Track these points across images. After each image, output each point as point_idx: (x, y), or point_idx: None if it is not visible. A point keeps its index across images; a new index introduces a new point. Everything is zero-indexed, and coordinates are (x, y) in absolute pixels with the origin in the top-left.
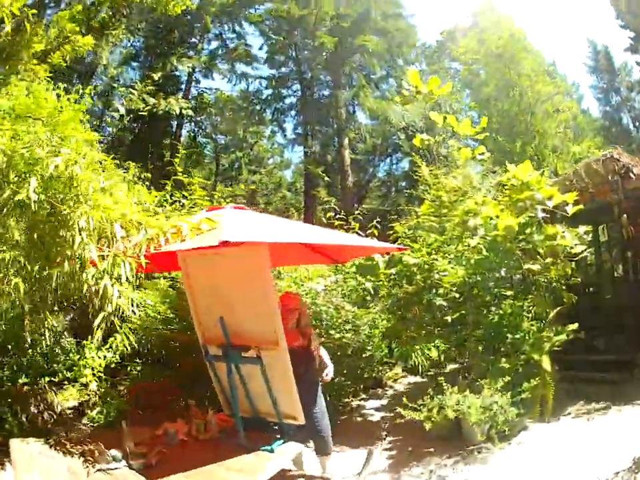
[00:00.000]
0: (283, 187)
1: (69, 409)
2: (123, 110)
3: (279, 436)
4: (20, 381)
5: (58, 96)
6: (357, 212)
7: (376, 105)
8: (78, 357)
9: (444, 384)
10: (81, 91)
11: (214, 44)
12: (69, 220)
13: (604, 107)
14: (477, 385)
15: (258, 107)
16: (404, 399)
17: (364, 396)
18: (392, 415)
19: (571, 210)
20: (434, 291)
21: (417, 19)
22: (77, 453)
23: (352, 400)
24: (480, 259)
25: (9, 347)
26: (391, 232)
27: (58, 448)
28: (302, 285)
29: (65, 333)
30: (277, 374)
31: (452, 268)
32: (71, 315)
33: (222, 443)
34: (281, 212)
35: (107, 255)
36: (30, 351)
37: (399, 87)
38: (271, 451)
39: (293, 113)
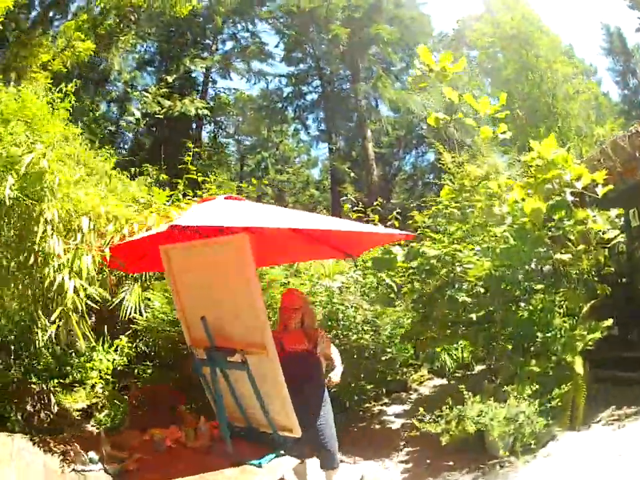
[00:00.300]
0: (311, 185)
1: (77, 410)
2: (138, 114)
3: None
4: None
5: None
6: (375, 203)
7: (396, 96)
8: (84, 359)
9: (465, 392)
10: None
11: (229, 44)
12: (35, 213)
13: (622, 90)
14: (504, 390)
15: (279, 105)
16: (421, 408)
17: (386, 400)
18: (413, 421)
19: (601, 191)
20: (456, 285)
21: (430, 9)
22: (58, 452)
23: (374, 405)
24: (506, 248)
25: (13, 347)
26: (411, 222)
27: (41, 446)
28: (317, 283)
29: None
30: (267, 381)
31: (478, 260)
32: (93, 319)
33: (210, 453)
34: (308, 210)
35: (72, 248)
36: (42, 352)
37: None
38: (259, 466)
39: (314, 109)
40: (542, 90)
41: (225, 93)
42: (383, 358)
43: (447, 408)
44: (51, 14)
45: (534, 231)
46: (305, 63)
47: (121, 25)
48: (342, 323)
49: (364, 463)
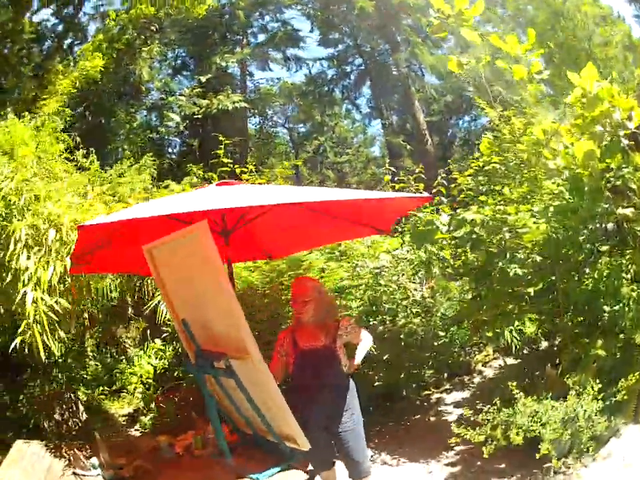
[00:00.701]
0: (372, 163)
1: (123, 415)
2: (177, 118)
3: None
4: (80, 392)
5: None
6: (418, 170)
7: (436, 61)
8: (124, 365)
9: (515, 389)
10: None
11: (262, 37)
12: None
13: None
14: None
15: (325, 89)
16: (464, 410)
17: (448, 386)
18: (472, 412)
19: None
20: (508, 255)
21: None
22: (66, 457)
23: (433, 392)
24: (562, 205)
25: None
26: (453, 186)
27: (53, 451)
28: (357, 265)
29: (128, 342)
30: (258, 387)
31: (534, 222)
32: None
33: (215, 463)
34: (370, 188)
35: (37, 261)
36: (91, 362)
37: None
38: None
39: (361, 87)
40: (577, 36)
41: (269, 84)
42: (435, 343)
43: (493, 410)
44: (69, 40)
45: (591, 183)
46: (343, 43)
47: (142, 37)
48: (387, 306)
49: (408, 465)
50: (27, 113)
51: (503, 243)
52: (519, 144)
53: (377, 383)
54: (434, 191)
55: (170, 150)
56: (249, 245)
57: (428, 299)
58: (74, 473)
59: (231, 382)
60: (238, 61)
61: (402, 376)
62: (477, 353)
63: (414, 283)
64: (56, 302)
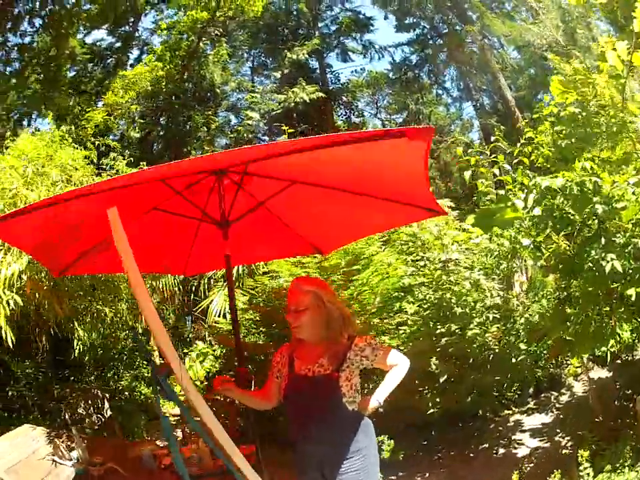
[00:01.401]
0: (471, 147)
1: (174, 415)
2: (257, 115)
3: None
4: (137, 390)
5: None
6: (494, 139)
7: (510, 29)
8: None
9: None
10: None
11: (333, 28)
12: None
13: None
14: None
15: (411, 74)
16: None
17: (531, 404)
18: (548, 445)
19: None
20: (603, 241)
21: None
22: (56, 443)
23: (513, 412)
24: None
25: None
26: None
27: (51, 438)
28: (421, 258)
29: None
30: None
31: (633, 193)
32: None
33: None
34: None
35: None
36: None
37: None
38: None
39: (446, 69)
40: None
41: (353, 75)
42: (514, 360)
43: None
44: (135, 55)
45: None
46: (419, 27)
47: (207, 42)
48: (459, 311)
49: None
50: (37, 129)
51: (597, 221)
52: (597, 75)
53: (431, 410)
54: (515, 161)
55: None
56: (286, 238)
57: (514, 299)
58: (53, 460)
59: None
60: (309, 52)
61: (468, 400)
62: (568, 363)
63: (493, 280)
64: (12, 298)
